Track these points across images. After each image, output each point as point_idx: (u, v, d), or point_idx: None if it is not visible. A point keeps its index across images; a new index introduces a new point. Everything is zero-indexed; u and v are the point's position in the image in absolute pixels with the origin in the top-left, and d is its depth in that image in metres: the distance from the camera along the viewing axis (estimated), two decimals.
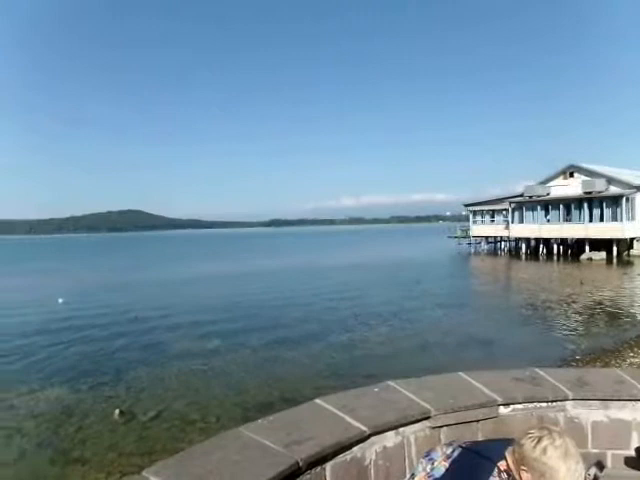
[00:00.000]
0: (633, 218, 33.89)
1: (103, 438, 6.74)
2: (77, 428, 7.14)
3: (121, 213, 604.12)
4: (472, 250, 47.29)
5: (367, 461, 2.19)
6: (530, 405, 2.61)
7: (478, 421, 2.49)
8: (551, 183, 39.75)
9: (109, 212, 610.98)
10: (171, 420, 7.32)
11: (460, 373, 2.93)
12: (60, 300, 20.11)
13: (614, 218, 34.02)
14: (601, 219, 34.83)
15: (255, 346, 11.81)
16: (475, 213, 46.73)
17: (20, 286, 27.33)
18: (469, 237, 48.43)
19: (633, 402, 2.62)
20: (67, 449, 6.47)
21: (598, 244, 34.17)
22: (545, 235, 38.69)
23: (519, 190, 41.62)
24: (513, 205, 40.85)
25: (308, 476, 1.95)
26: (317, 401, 2.51)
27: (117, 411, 7.58)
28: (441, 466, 1.39)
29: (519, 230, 40.53)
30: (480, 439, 2.37)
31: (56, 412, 7.81)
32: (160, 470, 1.86)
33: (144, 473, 1.83)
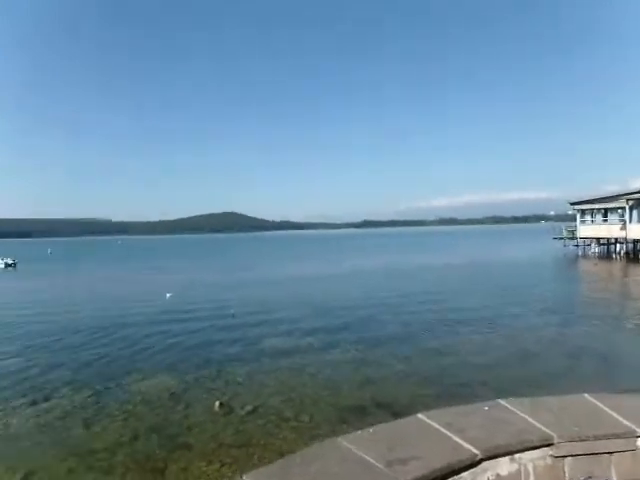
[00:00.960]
0: None
1: (205, 428, 7.15)
2: (183, 416, 7.66)
3: (221, 215, 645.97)
4: (580, 253, 43.00)
5: None
6: None
7: (611, 453, 2.15)
8: None
9: (210, 214, 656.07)
10: (266, 416, 7.54)
11: (585, 395, 2.57)
12: (168, 295, 21.94)
13: None
14: None
15: (347, 347, 11.80)
16: (584, 212, 42.47)
17: (137, 280, 30.33)
18: (576, 238, 44.12)
19: None
20: (174, 434, 6.95)
21: None
22: None
23: (635, 186, 37.02)
24: (631, 202, 36.38)
25: None
26: (420, 416, 2.35)
27: (217, 403, 8.00)
28: None
29: (639, 230, 36.02)
30: (614, 476, 2.04)
31: (165, 399, 8.46)
32: (260, 477, 1.84)
33: (245, 477, 1.82)
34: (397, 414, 7.24)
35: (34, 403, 8.42)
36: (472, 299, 18.84)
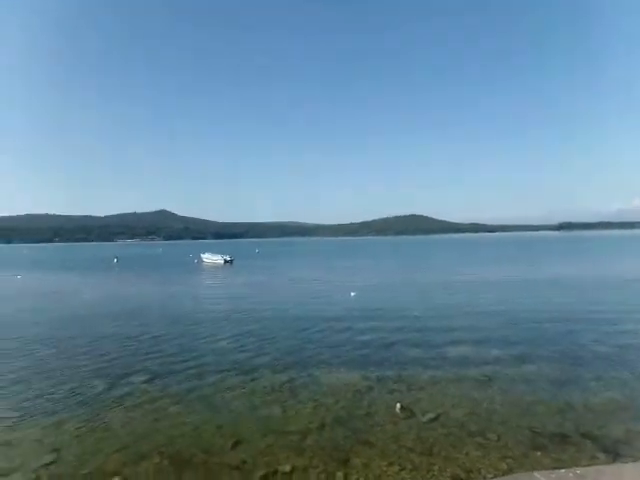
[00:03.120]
0: None
1: (386, 428, 7.24)
2: (365, 413, 7.91)
3: (406, 218, 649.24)
4: None
5: None
6: None
7: None
8: None
9: (396, 217, 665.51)
10: (449, 426, 7.24)
11: None
12: (352, 294, 23.08)
13: None
14: None
15: (542, 364, 10.52)
16: None
17: (325, 279, 32.74)
18: None
19: None
20: (357, 429, 7.22)
21: None
22: None
23: None
24: None
25: None
26: None
27: (398, 405, 8.02)
28: None
29: None
30: None
31: (349, 394, 8.88)
32: None
33: None
34: (608, 451, 6.12)
35: (243, 381, 9.80)
36: None
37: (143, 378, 10.12)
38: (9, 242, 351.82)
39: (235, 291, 27.84)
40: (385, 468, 6.00)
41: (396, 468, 5.99)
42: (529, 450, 6.38)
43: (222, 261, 58.08)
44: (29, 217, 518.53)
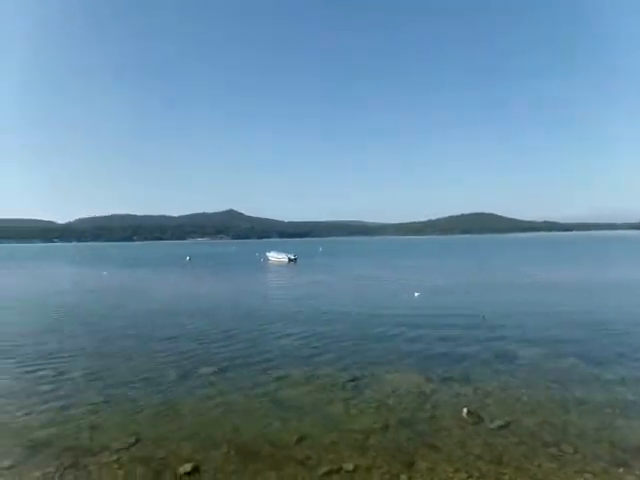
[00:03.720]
0: None
1: (452, 433, 7.04)
2: (430, 416, 7.74)
3: (473, 216, 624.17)
4: None
5: None
6: None
7: None
8: None
9: (462, 215, 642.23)
10: (520, 435, 6.89)
11: None
12: (416, 294, 22.64)
13: None
14: None
15: (623, 372, 9.71)
16: None
17: (389, 277, 32.41)
18: None
19: None
20: (421, 432, 7.08)
21: None
22: None
23: None
24: None
25: None
26: None
27: (465, 410, 7.77)
28: None
29: None
30: None
31: (413, 395, 8.73)
32: None
33: None
34: None
35: (307, 378, 9.97)
36: None
37: (212, 370, 10.61)
38: (96, 240, 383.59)
39: (299, 289, 28.33)
40: (451, 474, 5.83)
41: (463, 475, 5.81)
42: (610, 466, 5.92)
43: (286, 259, 59.32)
44: (114, 217, 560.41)
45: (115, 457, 6.47)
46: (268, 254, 65.70)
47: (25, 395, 9.19)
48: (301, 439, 6.94)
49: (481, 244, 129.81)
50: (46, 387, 9.66)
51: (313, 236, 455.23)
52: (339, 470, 5.99)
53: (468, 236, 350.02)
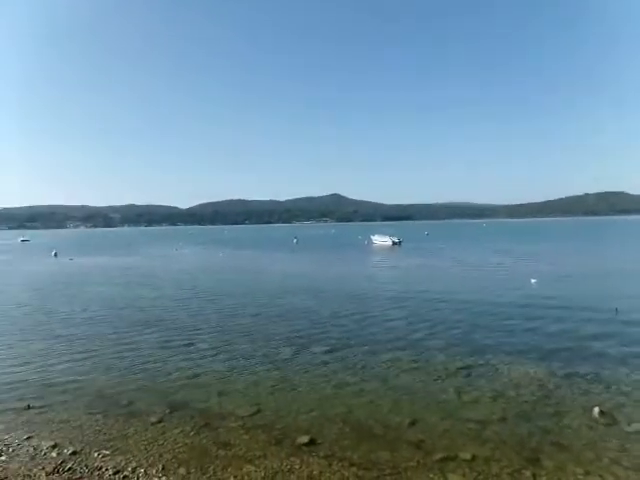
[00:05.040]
0: None
1: (581, 433, 6.47)
2: (554, 412, 7.19)
3: (599, 196, 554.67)
4: None
5: None
6: None
7: None
8: None
9: (586, 194, 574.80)
10: None
11: None
12: (533, 281, 20.98)
13: None
14: None
15: None
16: None
17: (500, 264, 30.47)
18: None
19: None
20: (545, 429, 6.61)
21: None
22: None
23: None
24: None
25: None
26: None
27: (597, 409, 7.07)
28: None
29: None
30: None
31: (533, 389, 8.18)
32: None
33: None
34: None
35: (416, 361, 9.87)
36: None
37: (324, 349, 11.01)
38: (212, 223, 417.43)
39: (404, 272, 27.99)
40: (582, 477, 5.37)
41: (596, 479, 5.33)
42: None
43: (390, 242, 58.84)
44: (228, 202, 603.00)
45: (240, 423, 7.08)
46: (372, 237, 65.72)
47: (162, 362, 10.44)
48: (413, 422, 6.92)
49: (609, 227, 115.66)
50: (180, 356, 10.87)
51: (418, 219, 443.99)
52: (455, 458, 5.87)
53: (594, 218, 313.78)
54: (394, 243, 58.46)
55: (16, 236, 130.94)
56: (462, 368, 9.40)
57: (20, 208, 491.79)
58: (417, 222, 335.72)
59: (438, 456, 5.90)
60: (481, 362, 9.75)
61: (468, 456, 5.88)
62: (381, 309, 15.95)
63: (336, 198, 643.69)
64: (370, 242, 64.26)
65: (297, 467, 5.70)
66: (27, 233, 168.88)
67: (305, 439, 6.43)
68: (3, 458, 6.13)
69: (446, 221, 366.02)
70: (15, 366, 10.31)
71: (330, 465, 5.73)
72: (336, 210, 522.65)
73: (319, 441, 6.41)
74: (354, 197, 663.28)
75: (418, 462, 5.78)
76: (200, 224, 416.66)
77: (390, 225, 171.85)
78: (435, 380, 8.79)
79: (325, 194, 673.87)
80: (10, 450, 6.36)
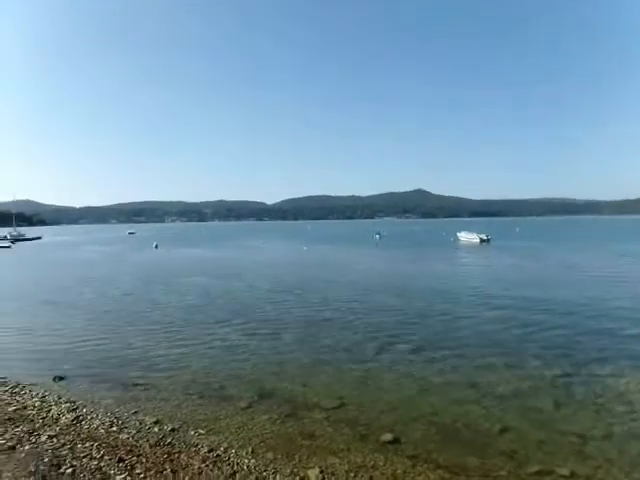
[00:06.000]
0: None
1: None
2: None
3: None
4: None
5: None
6: None
7: None
8: None
9: None
10: None
11: None
12: None
13: None
14: None
15: None
16: None
17: (604, 268, 27.71)
18: None
19: None
20: None
21: None
22: None
23: None
24: None
25: None
26: None
27: None
28: None
29: None
30: None
31: None
32: None
33: None
34: None
35: (508, 367, 9.32)
36: None
37: (408, 348, 10.82)
38: (296, 218, 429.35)
39: (495, 272, 26.55)
40: None
41: None
42: None
43: (478, 240, 56.12)
44: (311, 198, 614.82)
45: (325, 415, 7.20)
46: (458, 234, 63.18)
47: (250, 351, 10.95)
48: (504, 430, 6.55)
49: None
50: (266, 346, 11.32)
51: (508, 215, 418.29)
52: (551, 472, 5.46)
53: None
54: (482, 240, 55.66)
55: (125, 229, 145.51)
56: (561, 376, 8.71)
57: (129, 204, 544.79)
58: (506, 219, 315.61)
59: (533, 469, 5.53)
60: (585, 372, 8.95)
61: (566, 472, 5.45)
62: (470, 310, 15.27)
63: (420, 193, 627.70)
64: (456, 239, 61.85)
65: (381, 464, 5.67)
66: (134, 226, 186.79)
67: (389, 437, 6.38)
68: (114, 429, 6.83)
69: (540, 218, 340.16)
70: (122, 348, 11.43)
71: (414, 466, 5.63)
72: (419, 206, 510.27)
73: (403, 440, 6.32)
74: (438, 192, 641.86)
75: (509, 472, 5.47)
76: (284, 219, 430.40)
77: (477, 222, 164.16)
78: (530, 387, 8.23)
79: (408, 189, 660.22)
80: (120, 422, 7.05)
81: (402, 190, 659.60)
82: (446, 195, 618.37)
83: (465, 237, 60.39)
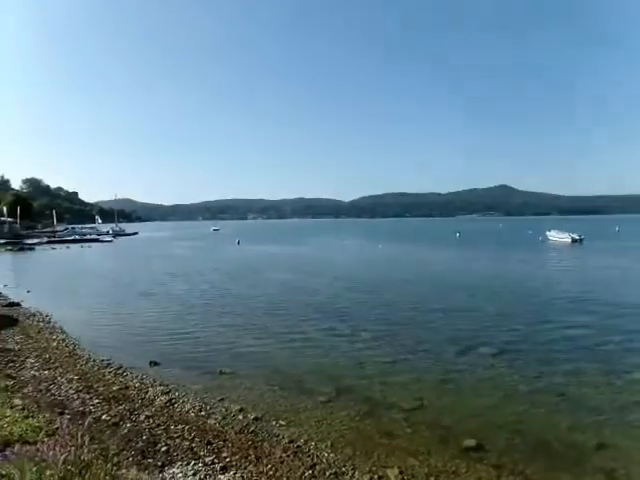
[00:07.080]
0: None
1: None
2: None
3: None
4: None
5: None
6: None
7: None
8: None
9: None
10: None
11: None
12: None
13: None
14: None
15: None
16: None
17: None
18: None
19: None
20: None
21: None
22: None
23: None
24: None
25: None
26: None
27: None
28: None
29: None
30: None
31: None
32: None
33: None
34: None
35: (601, 375, 8.57)
36: None
37: (491, 351, 10.35)
38: (372, 217, 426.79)
39: (588, 274, 24.49)
40: None
41: None
42: None
43: (570, 239, 51.93)
44: (387, 196, 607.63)
45: (403, 415, 7.14)
46: (548, 233, 58.90)
47: (329, 347, 11.13)
48: (601, 446, 6.06)
49: None
50: (345, 343, 11.45)
51: (611, 212, 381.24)
52: None
53: None
54: (574, 240, 51.41)
55: (210, 226, 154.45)
56: None
57: (214, 201, 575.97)
58: (605, 217, 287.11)
59: None
60: None
61: None
62: (560, 314, 14.24)
63: (504, 189, 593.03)
64: (545, 238, 57.73)
65: (463, 471, 5.52)
66: (218, 223, 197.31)
67: (472, 443, 6.17)
68: (202, 413, 7.31)
69: None
70: (210, 338, 12.18)
71: (499, 476, 5.40)
72: (503, 202, 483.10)
73: (487, 447, 6.08)
74: (524, 188, 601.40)
75: None
76: (360, 217, 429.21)
77: (567, 219, 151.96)
78: (630, 401, 7.52)
79: (491, 185, 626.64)
80: (208, 408, 7.54)
81: (485, 186, 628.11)
82: (532, 191, 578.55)
83: (555, 236, 56.15)
